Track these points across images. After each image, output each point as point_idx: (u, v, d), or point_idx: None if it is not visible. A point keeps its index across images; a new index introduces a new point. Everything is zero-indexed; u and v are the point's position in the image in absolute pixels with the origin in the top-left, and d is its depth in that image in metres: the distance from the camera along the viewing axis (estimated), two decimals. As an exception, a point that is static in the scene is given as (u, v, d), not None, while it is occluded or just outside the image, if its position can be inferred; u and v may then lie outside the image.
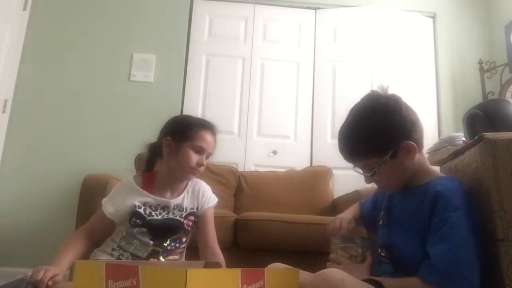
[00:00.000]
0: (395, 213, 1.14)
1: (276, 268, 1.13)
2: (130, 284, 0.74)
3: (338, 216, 1.35)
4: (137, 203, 1.38)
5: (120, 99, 2.93)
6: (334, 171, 2.60)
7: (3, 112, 2.75)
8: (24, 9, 2.92)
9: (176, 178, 1.45)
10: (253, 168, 2.87)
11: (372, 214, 1.30)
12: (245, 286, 0.78)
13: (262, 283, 0.82)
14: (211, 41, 3.15)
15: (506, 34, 2.99)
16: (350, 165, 1.29)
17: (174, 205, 1.43)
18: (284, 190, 2.46)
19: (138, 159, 2.56)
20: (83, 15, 3.05)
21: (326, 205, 2.46)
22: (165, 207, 1.42)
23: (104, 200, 1.42)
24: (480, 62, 2.87)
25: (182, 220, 1.43)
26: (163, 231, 1.40)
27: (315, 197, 2.47)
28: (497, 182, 1.00)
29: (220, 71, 3.09)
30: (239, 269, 0.79)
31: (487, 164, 1.02)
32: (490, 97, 2.76)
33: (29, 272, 1.15)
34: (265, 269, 0.87)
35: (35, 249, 2.56)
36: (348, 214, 1.37)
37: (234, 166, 2.70)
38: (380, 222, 1.19)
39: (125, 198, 1.40)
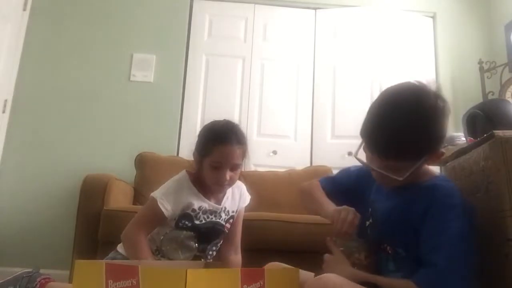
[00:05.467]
0: (380, 207, 1.09)
1: (276, 268, 1.13)
2: (130, 284, 0.74)
3: (344, 208, 1.06)
4: (195, 206, 1.33)
5: (120, 99, 2.92)
6: (334, 171, 2.59)
7: (3, 112, 2.74)
8: (24, 9, 2.91)
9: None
10: (253, 168, 2.85)
11: (352, 189, 1.19)
12: (245, 286, 0.78)
13: (262, 283, 0.82)
14: (211, 41, 3.14)
15: (506, 34, 2.98)
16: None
17: (222, 208, 1.40)
18: (284, 190, 2.46)
19: (138, 159, 2.56)
20: (83, 15, 3.05)
21: (326, 205, 2.46)
22: (212, 211, 1.37)
23: (158, 196, 1.29)
24: (480, 62, 2.87)
25: (224, 223, 1.41)
26: (208, 235, 1.36)
27: (315, 197, 2.47)
28: (509, 181, 0.96)
29: (220, 71, 3.09)
30: (239, 269, 0.80)
31: (498, 162, 0.98)
32: (490, 97, 2.75)
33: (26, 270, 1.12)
34: (265, 269, 0.87)
35: (35, 249, 2.57)
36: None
37: (234, 166, 2.69)
38: (370, 220, 1.12)
39: (184, 197, 1.32)
